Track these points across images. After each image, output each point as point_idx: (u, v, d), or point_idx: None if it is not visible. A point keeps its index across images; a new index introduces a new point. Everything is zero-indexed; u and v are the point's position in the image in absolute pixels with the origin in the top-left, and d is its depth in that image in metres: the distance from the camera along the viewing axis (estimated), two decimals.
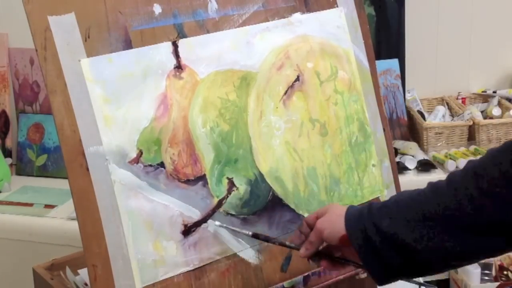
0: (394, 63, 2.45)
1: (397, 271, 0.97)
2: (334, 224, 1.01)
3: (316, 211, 1.07)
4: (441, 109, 2.49)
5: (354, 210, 1.01)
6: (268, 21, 1.23)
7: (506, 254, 2.31)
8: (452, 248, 0.92)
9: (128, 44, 1.08)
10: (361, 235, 0.97)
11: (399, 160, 2.26)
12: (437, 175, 2.23)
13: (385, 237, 0.95)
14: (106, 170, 1.04)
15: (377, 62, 1.40)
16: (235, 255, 1.16)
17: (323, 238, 1.03)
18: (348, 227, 0.99)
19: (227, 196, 1.15)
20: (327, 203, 1.26)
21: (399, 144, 2.37)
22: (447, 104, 2.55)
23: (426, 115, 2.47)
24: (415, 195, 0.96)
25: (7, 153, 2.45)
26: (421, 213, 0.93)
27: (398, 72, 2.44)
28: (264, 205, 1.19)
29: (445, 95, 2.57)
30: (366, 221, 0.97)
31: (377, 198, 1.34)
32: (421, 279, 2.07)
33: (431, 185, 0.96)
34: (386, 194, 1.35)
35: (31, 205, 2.14)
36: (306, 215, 1.24)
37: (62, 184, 2.18)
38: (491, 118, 2.40)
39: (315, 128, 1.26)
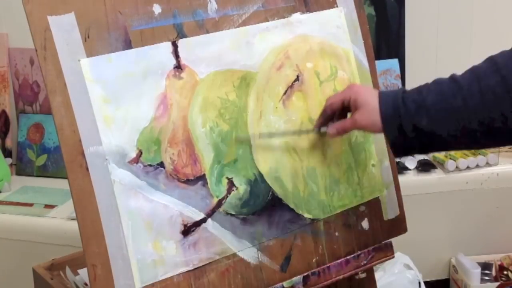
0: (394, 63, 2.45)
1: (417, 152, 1.14)
2: (373, 121, 1.11)
3: (340, 95, 1.18)
4: None
5: (389, 105, 1.10)
6: (268, 21, 1.23)
7: (506, 254, 2.31)
8: (485, 144, 1.10)
9: (127, 44, 1.08)
10: (398, 132, 1.09)
11: (399, 160, 2.27)
12: (437, 175, 2.24)
13: (420, 133, 1.08)
14: (106, 170, 1.04)
15: (377, 62, 1.40)
16: (234, 255, 1.16)
17: (359, 129, 1.16)
18: (385, 125, 1.10)
19: (227, 196, 1.15)
20: (327, 203, 1.27)
21: None
22: None
23: None
24: (450, 96, 1.05)
25: (7, 153, 2.45)
26: (461, 120, 1.04)
27: (398, 72, 2.44)
28: (263, 205, 1.20)
29: None
30: (404, 119, 1.08)
31: (377, 198, 1.34)
32: (421, 279, 2.07)
33: (463, 88, 1.05)
34: (385, 194, 1.35)
35: (31, 205, 2.15)
36: (306, 215, 1.24)
37: (62, 184, 2.18)
38: None
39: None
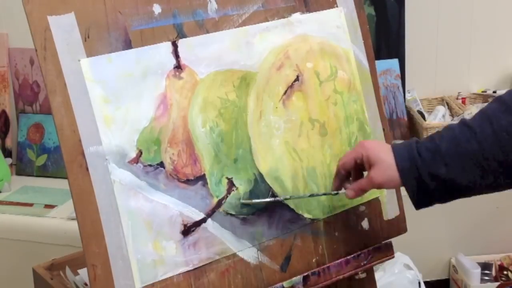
0: (394, 63, 2.45)
1: (440, 202, 1.10)
2: (389, 177, 1.10)
3: (352, 153, 1.16)
4: (441, 109, 2.49)
5: (405, 158, 1.08)
6: (268, 21, 1.23)
7: (506, 254, 2.31)
8: (508, 185, 1.06)
9: (127, 44, 1.08)
10: (416, 184, 1.07)
11: None
12: None
13: (441, 182, 1.06)
14: (106, 170, 1.04)
15: (377, 62, 1.40)
16: (234, 255, 1.16)
17: (376, 187, 1.14)
18: (404, 180, 1.08)
19: (227, 196, 1.15)
20: (327, 203, 1.27)
21: None
22: (447, 104, 2.55)
23: (426, 115, 2.47)
24: (464, 141, 1.04)
25: (7, 153, 2.45)
26: (479, 164, 1.03)
27: (398, 72, 2.45)
28: (263, 205, 1.19)
29: (445, 95, 2.58)
30: (421, 170, 1.06)
31: (377, 198, 1.34)
32: (421, 279, 2.07)
33: (476, 131, 1.03)
34: (385, 194, 1.35)
35: (31, 205, 2.15)
36: (306, 215, 1.24)
37: (62, 184, 2.18)
38: None
39: (315, 128, 1.26)
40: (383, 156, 1.10)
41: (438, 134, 1.08)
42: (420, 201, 1.10)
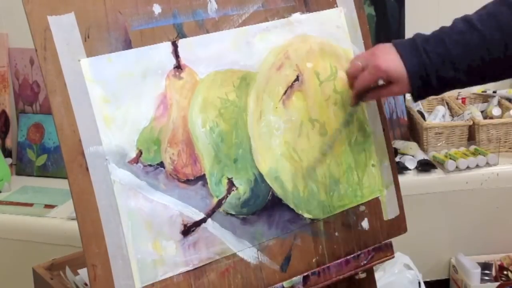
0: None
1: (435, 94, 1.20)
2: (396, 65, 1.16)
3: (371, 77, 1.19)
4: (441, 109, 2.49)
5: (414, 64, 1.14)
6: (268, 21, 1.23)
7: (506, 254, 2.31)
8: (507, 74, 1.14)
9: (127, 44, 1.08)
10: (421, 83, 1.13)
11: (399, 160, 2.27)
12: (437, 175, 2.24)
13: (445, 83, 1.14)
14: (106, 170, 1.04)
15: None
16: (234, 255, 1.16)
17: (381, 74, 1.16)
18: (411, 80, 1.13)
19: (227, 196, 1.16)
20: (327, 203, 1.27)
21: (399, 144, 2.37)
22: (447, 104, 2.55)
23: (426, 115, 2.47)
24: (471, 38, 1.10)
25: (7, 153, 2.45)
26: (483, 72, 1.12)
27: None
28: (263, 205, 1.20)
29: (445, 95, 2.57)
30: (430, 72, 1.12)
31: (377, 198, 1.34)
32: (421, 279, 2.07)
33: (485, 39, 1.10)
34: (385, 194, 1.35)
35: (31, 205, 2.15)
36: (306, 215, 1.24)
37: (62, 184, 2.18)
38: (491, 118, 2.40)
39: (315, 128, 1.26)
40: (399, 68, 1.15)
41: (447, 35, 1.13)
42: (420, 96, 1.18)
